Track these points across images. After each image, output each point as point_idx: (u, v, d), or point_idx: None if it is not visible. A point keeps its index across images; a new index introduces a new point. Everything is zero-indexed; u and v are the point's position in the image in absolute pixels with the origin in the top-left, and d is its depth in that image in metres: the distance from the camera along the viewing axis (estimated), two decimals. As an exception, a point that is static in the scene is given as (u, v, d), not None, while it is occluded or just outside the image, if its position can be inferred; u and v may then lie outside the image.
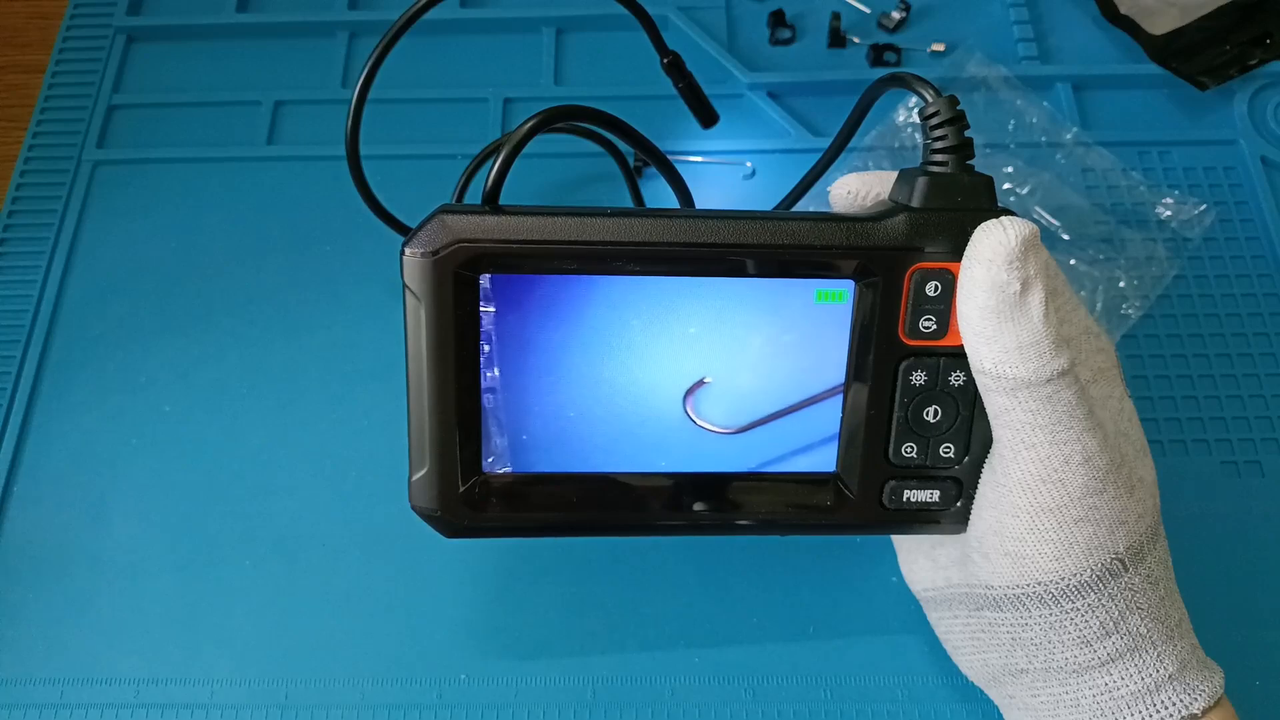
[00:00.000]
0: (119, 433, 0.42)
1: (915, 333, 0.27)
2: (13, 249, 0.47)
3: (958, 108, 0.26)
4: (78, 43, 0.53)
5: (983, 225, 0.25)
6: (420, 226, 0.26)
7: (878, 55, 0.50)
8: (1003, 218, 0.25)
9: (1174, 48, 0.49)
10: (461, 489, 0.28)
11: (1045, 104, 0.49)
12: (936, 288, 0.26)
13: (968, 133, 0.26)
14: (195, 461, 0.41)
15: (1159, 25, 0.50)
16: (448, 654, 0.37)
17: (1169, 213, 0.46)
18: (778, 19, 0.52)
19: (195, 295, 0.45)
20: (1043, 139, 0.48)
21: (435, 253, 0.25)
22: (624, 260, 0.26)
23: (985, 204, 0.26)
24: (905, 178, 0.27)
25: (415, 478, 0.28)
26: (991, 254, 0.24)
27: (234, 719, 0.36)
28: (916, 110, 0.27)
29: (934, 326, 0.27)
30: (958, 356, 0.27)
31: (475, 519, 0.28)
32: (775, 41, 0.52)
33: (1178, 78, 0.49)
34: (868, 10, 0.52)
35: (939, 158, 0.26)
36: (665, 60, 0.42)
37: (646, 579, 0.39)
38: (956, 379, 0.27)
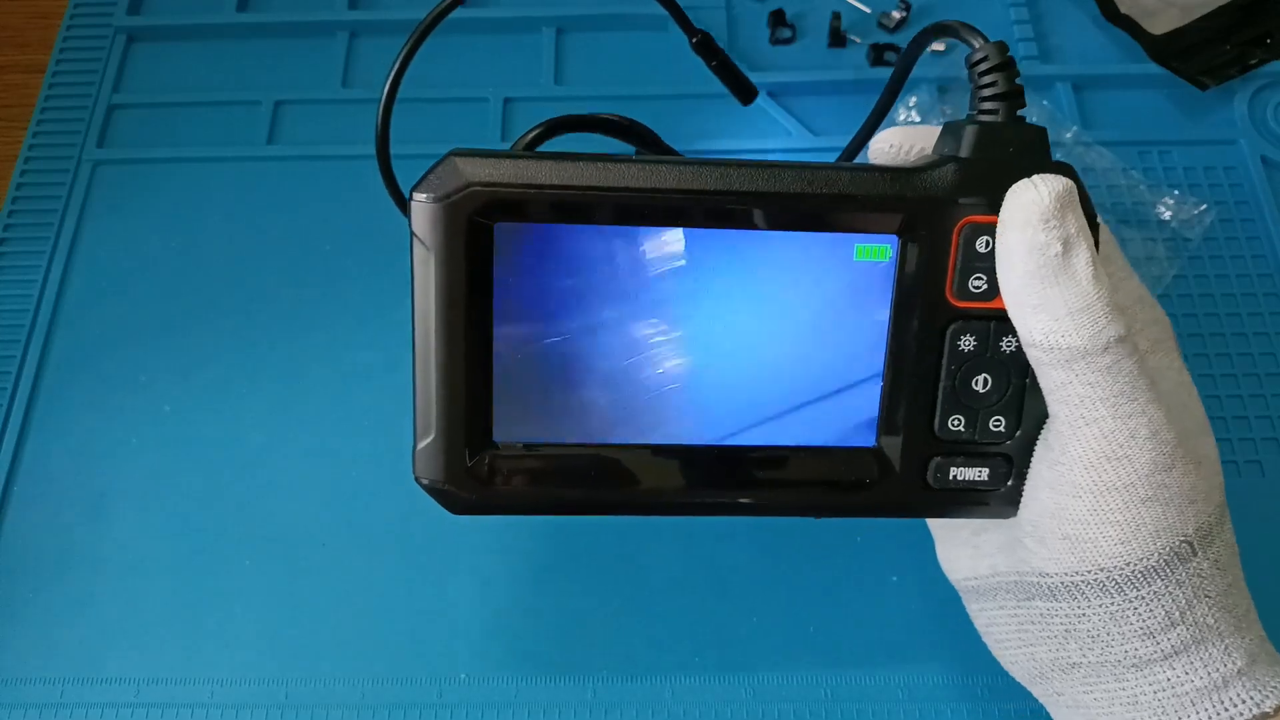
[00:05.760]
0: (119, 432, 0.42)
1: (964, 293, 0.25)
2: (13, 249, 0.47)
3: (1008, 54, 0.25)
4: (78, 42, 0.53)
5: (1013, 187, 0.23)
6: (430, 170, 0.24)
7: (878, 55, 0.50)
8: (1034, 176, 0.23)
9: (1174, 47, 0.49)
10: (469, 460, 0.25)
11: (1045, 103, 0.49)
12: (988, 244, 0.24)
13: (1019, 80, 0.25)
14: (195, 461, 0.41)
15: (1159, 25, 0.50)
16: (448, 654, 0.37)
17: (1169, 212, 0.46)
18: (778, 18, 0.52)
19: (195, 295, 0.45)
20: (1043, 139, 0.48)
21: (446, 197, 0.23)
22: (652, 210, 0.24)
23: (1039, 157, 0.24)
24: (951, 130, 0.25)
25: (420, 446, 0.25)
26: (1025, 215, 0.23)
27: (234, 718, 0.36)
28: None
29: (985, 286, 0.25)
30: (1010, 319, 0.25)
31: (484, 493, 0.26)
32: (775, 41, 0.52)
33: (1178, 77, 0.49)
34: (868, 10, 0.52)
35: (988, 105, 0.25)
36: (694, 40, 0.40)
37: (647, 578, 0.39)
38: (1009, 345, 0.25)
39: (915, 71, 0.50)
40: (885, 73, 0.50)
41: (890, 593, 0.38)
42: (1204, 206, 0.46)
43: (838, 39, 0.51)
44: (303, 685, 0.37)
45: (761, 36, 0.52)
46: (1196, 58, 0.49)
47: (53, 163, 0.49)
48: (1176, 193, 0.47)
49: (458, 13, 0.52)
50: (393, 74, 0.33)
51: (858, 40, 0.51)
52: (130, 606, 0.39)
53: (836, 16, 0.51)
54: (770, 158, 0.48)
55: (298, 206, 0.48)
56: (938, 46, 0.51)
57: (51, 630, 0.38)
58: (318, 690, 0.37)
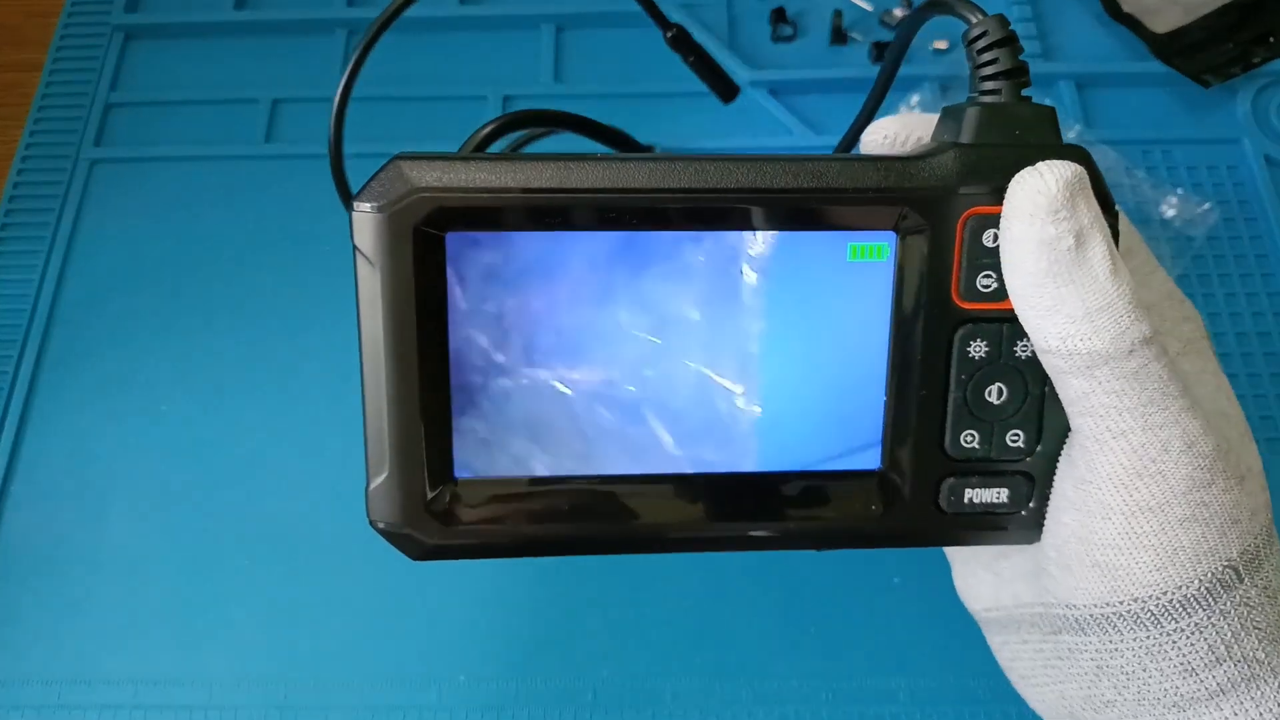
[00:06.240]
0: (116, 432, 0.42)
1: (972, 293, 0.23)
2: (9, 248, 0.47)
3: (1009, 28, 0.23)
4: (75, 40, 0.53)
5: (1016, 176, 0.21)
6: (373, 176, 0.22)
7: (879, 52, 0.50)
8: (1039, 163, 0.21)
9: (1177, 46, 0.49)
10: (429, 498, 0.23)
11: (1048, 101, 0.48)
12: (996, 237, 0.22)
13: (1022, 56, 0.23)
14: (193, 461, 0.41)
15: (1162, 23, 0.50)
16: (446, 655, 0.37)
17: (1173, 211, 0.46)
18: (779, 16, 0.51)
19: (193, 294, 0.45)
20: (1045, 137, 0.48)
21: (390, 206, 0.22)
22: (621, 212, 0.22)
23: (1049, 138, 0.22)
24: (951, 114, 0.23)
25: (373, 486, 0.23)
26: (1031, 206, 0.21)
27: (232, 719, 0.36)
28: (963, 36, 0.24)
29: (994, 285, 0.22)
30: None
31: (447, 535, 0.23)
32: (777, 38, 0.51)
33: (1181, 75, 0.49)
34: (870, 8, 0.52)
35: (990, 85, 0.23)
36: (669, 34, 0.38)
37: (646, 579, 0.38)
38: (1024, 350, 0.23)
39: (917, 69, 0.51)
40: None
41: (892, 595, 0.38)
42: (1207, 205, 0.46)
43: (839, 37, 0.51)
44: (301, 686, 0.37)
45: (763, 34, 0.52)
46: (1199, 56, 0.49)
47: (50, 161, 0.49)
48: (1180, 191, 0.46)
49: (457, 10, 0.52)
50: (344, 78, 0.31)
51: (859, 38, 0.51)
52: (128, 607, 0.38)
53: (838, 14, 0.51)
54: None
55: (295, 205, 0.47)
56: (940, 44, 0.51)
57: (49, 631, 0.38)
58: (316, 692, 0.37)
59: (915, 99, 0.48)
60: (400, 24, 0.55)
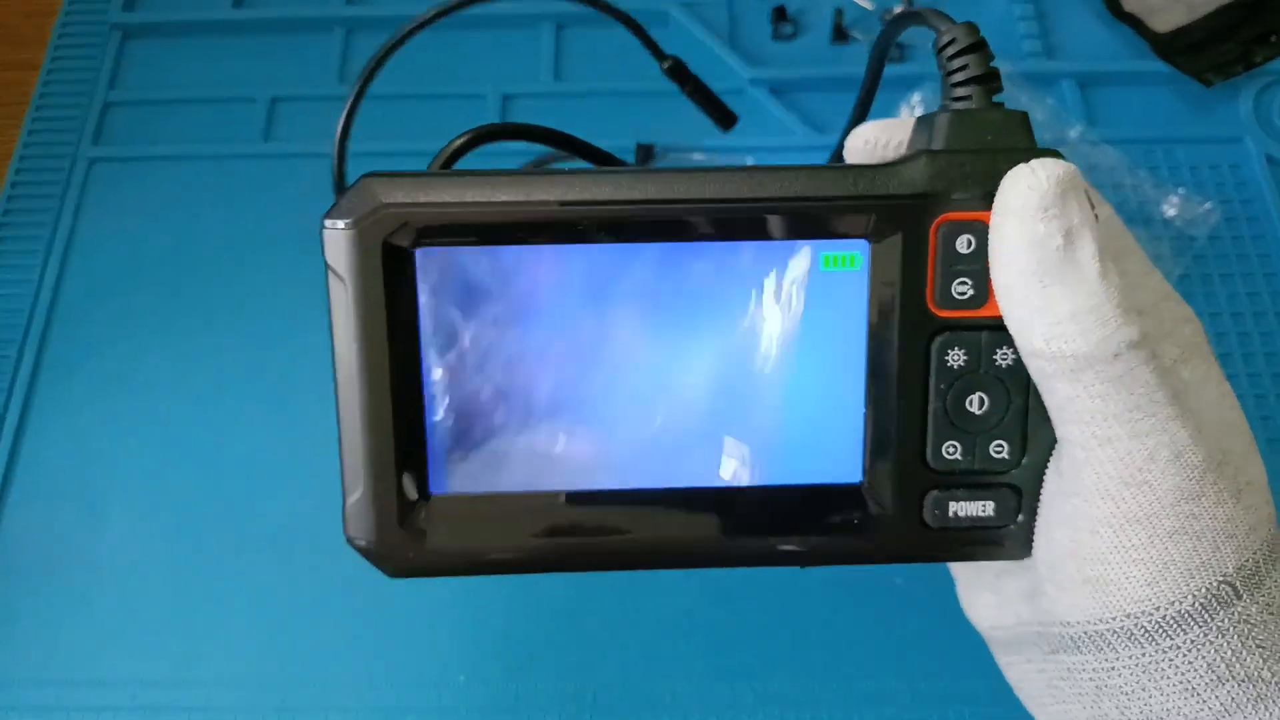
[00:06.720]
0: (115, 432, 0.42)
1: (948, 301, 0.22)
2: (8, 247, 0.47)
3: (978, 35, 0.23)
4: (73, 39, 0.52)
5: (1008, 174, 0.21)
6: (342, 195, 0.22)
7: (880, 51, 0.50)
8: (1031, 161, 0.21)
9: (1179, 45, 0.49)
10: (403, 517, 0.23)
11: (1050, 100, 0.48)
12: (970, 243, 0.22)
13: (993, 63, 0.23)
14: (192, 461, 0.41)
15: (1164, 22, 0.50)
16: (446, 657, 0.37)
17: (1174, 211, 0.46)
18: (780, 14, 0.51)
19: (192, 293, 0.45)
20: (1048, 137, 0.47)
21: (358, 222, 0.22)
22: (590, 225, 0.22)
23: (1021, 143, 0.22)
24: (924, 122, 0.23)
25: (349, 503, 0.23)
26: (1022, 203, 0.20)
27: (231, 722, 0.36)
28: (933, 44, 0.24)
29: (970, 292, 0.22)
30: (1003, 329, 0.22)
31: (422, 552, 0.24)
32: (777, 37, 0.51)
33: (1183, 74, 0.48)
34: (871, 6, 0.52)
35: (960, 91, 0.23)
36: (665, 65, 0.39)
37: (647, 580, 0.38)
38: (1004, 357, 0.23)
39: (919, 68, 0.50)
40: (889, 68, 0.49)
41: (895, 596, 0.38)
42: (1209, 205, 0.46)
43: (840, 35, 0.51)
44: (299, 689, 0.37)
45: (763, 32, 0.52)
46: (1201, 55, 0.49)
47: (48, 160, 0.49)
48: (1182, 190, 0.46)
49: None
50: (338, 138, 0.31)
51: (860, 37, 0.51)
52: (126, 608, 0.38)
53: (839, 12, 0.51)
54: (772, 154, 0.48)
55: (294, 204, 0.47)
56: (941, 43, 0.50)
57: (46, 632, 0.38)
58: (314, 694, 0.36)
59: (917, 97, 0.48)
60: (397, 22, 0.55)
